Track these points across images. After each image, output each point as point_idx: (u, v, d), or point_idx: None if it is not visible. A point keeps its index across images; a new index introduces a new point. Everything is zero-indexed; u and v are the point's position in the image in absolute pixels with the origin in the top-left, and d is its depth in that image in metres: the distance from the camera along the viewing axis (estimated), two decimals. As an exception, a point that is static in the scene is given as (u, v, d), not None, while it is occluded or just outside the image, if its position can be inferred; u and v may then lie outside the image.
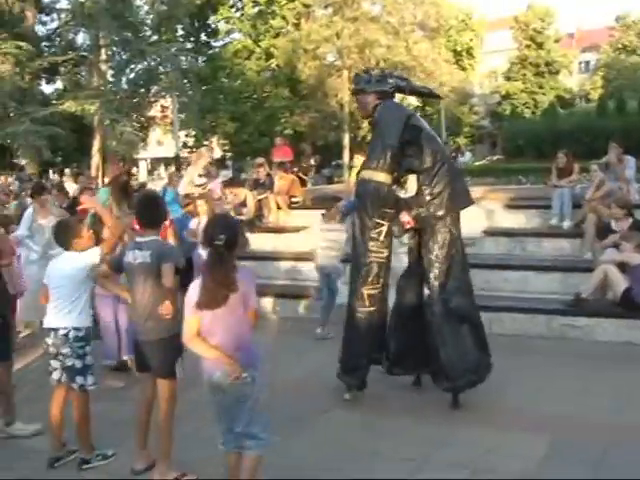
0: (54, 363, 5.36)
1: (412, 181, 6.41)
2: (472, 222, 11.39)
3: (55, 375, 5.38)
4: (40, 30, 24.59)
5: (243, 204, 12.44)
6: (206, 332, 4.20)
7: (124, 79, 24.29)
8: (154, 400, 5.13)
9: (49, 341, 5.35)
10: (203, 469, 4.99)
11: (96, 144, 23.76)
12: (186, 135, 36.73)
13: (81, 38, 25.20)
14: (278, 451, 4.55)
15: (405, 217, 6.22)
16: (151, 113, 32.62)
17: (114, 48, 23.33)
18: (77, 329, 5.28)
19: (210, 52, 37.34)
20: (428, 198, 6.12)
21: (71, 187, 19.68)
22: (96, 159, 23.89)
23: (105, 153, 25.46)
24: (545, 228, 10.97)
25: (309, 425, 5.86)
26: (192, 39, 36.66)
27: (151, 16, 26.46)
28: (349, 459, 5.22)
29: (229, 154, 37.61)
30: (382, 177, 6.18)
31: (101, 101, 21.00)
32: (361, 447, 5.43)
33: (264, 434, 4.26)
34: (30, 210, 9.31)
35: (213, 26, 38.36)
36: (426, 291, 6.31)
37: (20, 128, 19.82)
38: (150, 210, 5.26)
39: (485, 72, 58.58)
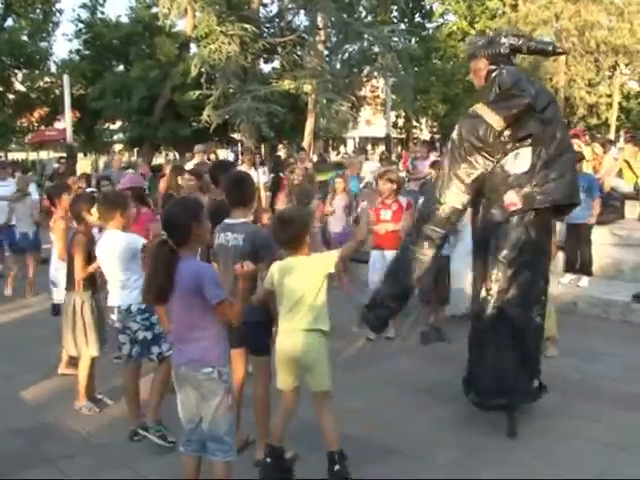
0: (122, 337, 5.58)
1: (526, 157, 5.40)
2: None
3: (125, 350, 5.60)
4: (261, 12, 25.71)
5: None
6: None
7: (338, 59, 24.93)
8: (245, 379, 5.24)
9: (114, 317, 5.58)
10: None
11: (310, 122, 24.59)
12: (396, 116, 37.06)
13: (298, 20, 26.14)
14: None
15: (512, 197, 5.34)
16: (362, 93, 33.23)
17: (331, 30, 23.96)
18: (138, 303, 5.39)
19: (424, 33, 37.39)
20: (539, 180, 5.30)
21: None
22: (310, 137, 24.75)
23: (317, 131, 26.32)
24: None
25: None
26: (406, 20, 36.86)
27: (367, -3, 27.00)
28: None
29: (437, 136, 37.61)
30: (495, 120, 5.36)
31: (317, 81, 21.71)
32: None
33: (227, 437, 4.07)
34: None
35: (428, 7, 38.37)
36: (482, 294, 5.61)
37: (242, 105, 20.94)
38: (236, 190, 5.12)
39: None
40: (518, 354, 5.47)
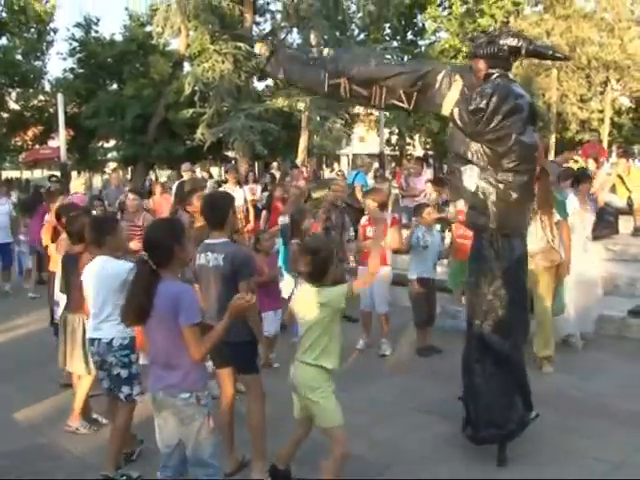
0: (100, 373, 5.41)
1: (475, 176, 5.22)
2: None
3: (105, 384, 5.42)
4: (254, 30, 25.80)
5: (445, 203, 12.57)
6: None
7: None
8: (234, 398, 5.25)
9: (93, 350, 5.37)
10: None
11: (303, 139, 24.62)
12: (390, 133, 37.14)
13: (291, 38, 26.29)
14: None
15: (460, 205, 5.32)
16: (355, 110, 33.31)
17: (325, 48, 24.07)
18: (122, 337, 5.23)
19: (416, 51, 37.54)
20: (477, 204, 5.17)
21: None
22: (303, 154, 24.80)
23: (310, 148, 26.37)
24: None
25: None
26: (398, 38, 37.03)
27: (359, 15, 27.11)
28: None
29: (431, 153, 37.70)
30: (448, 105, 5.31)
31: (311, 98, 21.78)
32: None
33: (213, 460, 4.00)
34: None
35: (420, 25, 38.56)
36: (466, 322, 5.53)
37: (236, 123, 20.99)
38: (211, 212, 5.15)
39: None
40: (505, 381, 5.28)
